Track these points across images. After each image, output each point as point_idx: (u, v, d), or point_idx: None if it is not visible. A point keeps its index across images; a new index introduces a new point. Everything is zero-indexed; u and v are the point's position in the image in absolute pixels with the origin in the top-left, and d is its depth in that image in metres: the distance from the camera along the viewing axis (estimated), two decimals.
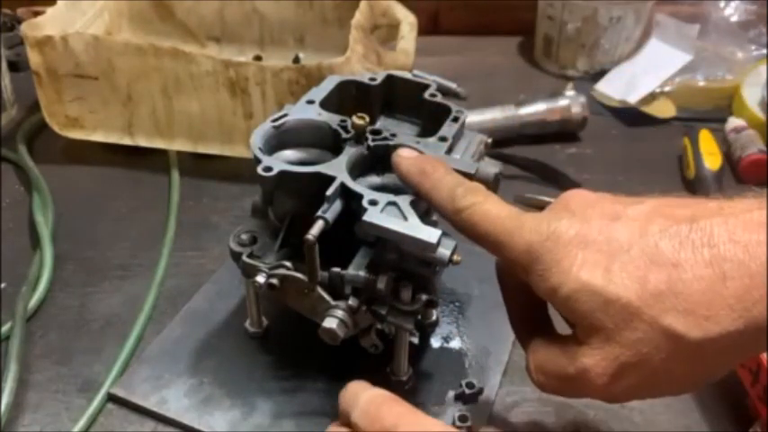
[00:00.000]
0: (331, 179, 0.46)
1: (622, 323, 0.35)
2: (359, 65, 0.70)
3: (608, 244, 0.37)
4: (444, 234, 0.43)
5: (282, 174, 0.47)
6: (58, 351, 0.56)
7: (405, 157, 0.46)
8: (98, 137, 0.77)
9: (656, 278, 0.35)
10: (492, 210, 0.40)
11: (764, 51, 0.92)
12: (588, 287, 0.36)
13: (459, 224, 0.42)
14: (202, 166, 0.77)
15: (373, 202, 0.44)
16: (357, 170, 0.48)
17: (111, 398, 0.52)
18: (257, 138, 0.49)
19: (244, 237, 0.51)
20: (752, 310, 0.34)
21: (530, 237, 0.38)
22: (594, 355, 0.37)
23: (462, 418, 0.50)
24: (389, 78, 0.55)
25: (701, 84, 0.91)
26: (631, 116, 0.89)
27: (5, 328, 0.56)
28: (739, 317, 0.34)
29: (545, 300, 0.40)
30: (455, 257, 0.45)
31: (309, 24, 0.90)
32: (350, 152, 0.49)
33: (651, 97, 0.90)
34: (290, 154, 0.51)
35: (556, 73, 1.01)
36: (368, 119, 0.50)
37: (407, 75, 0.56)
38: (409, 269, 0.46)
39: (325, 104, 0.53)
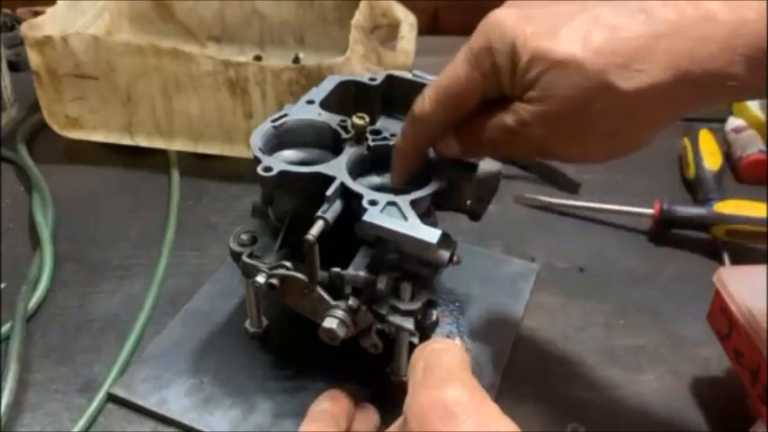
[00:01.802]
0: (331, 179, 0.46)
1: (564, 78, 0.38)
2: (359, 65, 0.70)
3: (553, 16, 0.40)
4: (444, 234, 0.43)
5: (282, 174, 0.47)
6: (58, 351, 0.56)
7: None
8: (98, 137, 0.77)
9: (598, 37, 0.38)
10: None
11: None
12: (538, 52, 0.39)
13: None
14: (202, 166, 0.77)
15: (373, 202, 0.44)
16: (357, 170, 0.48)
17: (111, 398, 0.52)
18: (257, 138, 0.49)
19: (244, 237, 0.51)
20: (680, 63, 0.37)
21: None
22: (535, 107, 0.40)
23: None
24: (389, 78, 0.55)
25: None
26: None
27: (5, 328, 0.56)
28: (668, 68, 0.37)
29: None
30: (455, 257, 0.45)
31: (309, 24, 0.90)
32: (350, 152, 0.49)
33: None
34: (290, 154, 0.51)
35: None
36: (368, 119, 0.50)
37: (407, 75, 0.56)
38: (409, 269, 0.46)
39: (325, 104, 0.53)
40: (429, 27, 1.05)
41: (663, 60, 0.37)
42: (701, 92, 0.38)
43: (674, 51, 0.37)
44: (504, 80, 0.41)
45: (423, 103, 0.44)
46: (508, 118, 0.41)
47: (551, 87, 0.39)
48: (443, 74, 0.43)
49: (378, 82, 0.55)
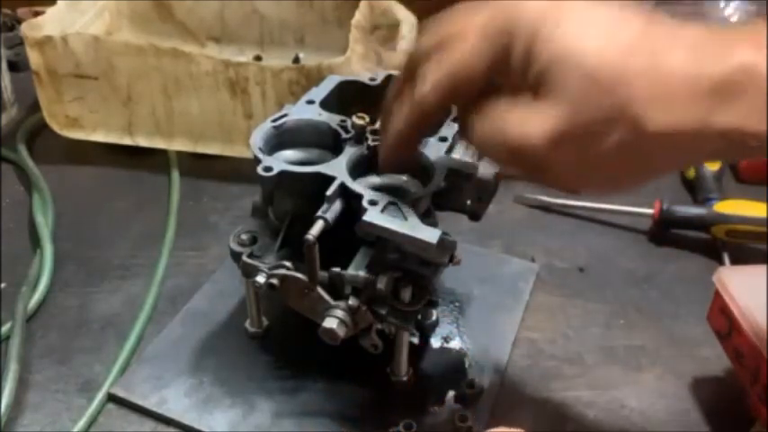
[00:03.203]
0: (331, 179, 0.46)
1: (589, 96, 0.33)
2: (359, 65, 0.70)
3: (592, 14, 0.34)
4: (444, 234, 0.43)
5: (282, 174, 0.47)
6: (58, 351, 0.56)
7: None
8: (98, 137, 0.77)
9: (624, 40, 0.33)
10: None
11: None
12: (561, 52, 0.33)
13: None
14: (202, 166, 0.77)
15: (373, 202, 0.44)
16: (357, 170, 0.48)
17: (111, 398, 0.52)
18: (257, 138, 0.49)
19: (244, 237, 0.51)
20: (710, 117, 0.32)
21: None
22: (545, 119, 0.34)
23: (462, 418, 0.50)
24: (389, 78, 0.55)
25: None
26: None
27: (5, 328, 0.56)
28: (697, 114, 0.32)
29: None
30: (455, 257, 0.45)
31: (309, 24, 0.90)
32: (350, 152, 0.49)
33: None
34: (290, 154, 0.51)
35: None
36: (368, 119, 0.50)
37: None
38: (409, 269, 0.46)
39: (325, 104, 0.53)
40: None
41: (692, 104, 0.32)
42: (723, 145, 0.33)
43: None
44: (514, 72, 0.35)
45: (424, 87, 0.38)
46: (507, 120, 0.36)
47: (571, 100, 0.33)
48: (450, 55, 0.37)
49: (378, 82, 0.55)
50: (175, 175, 0.76)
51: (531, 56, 0.34)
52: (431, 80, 0.38)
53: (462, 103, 0.39)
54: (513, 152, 0.36)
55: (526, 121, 0.35)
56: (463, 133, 0.40)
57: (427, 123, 0.41)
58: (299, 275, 0.47)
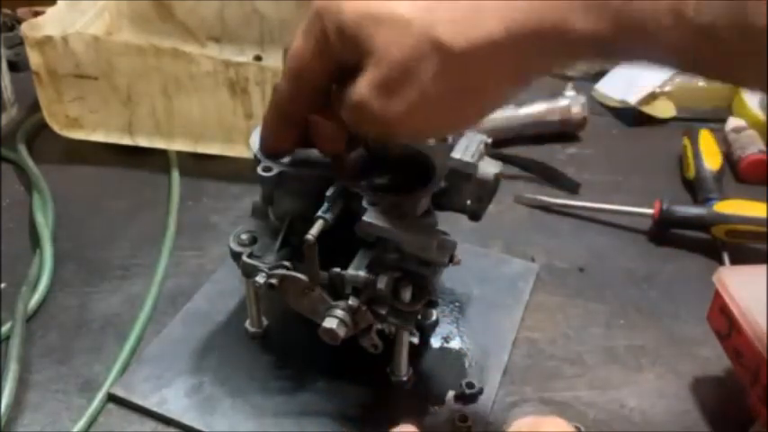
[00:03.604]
0: (331, 179, 0.46)
1: (393, 39, 0.36)
2: None
3: None
4: (444, 234, 0.43)
5: (282, 174, 0.47)
6: (58, 351, 0.56)
7: None
8: (98, 137, 0.77)
9: None
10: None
11: None
12: (365, 12, 0.37)
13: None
14: (202, 166, 0.77)
15: (373, 202, 0.44)
16: (357, 170, 0.48)
17: (111, 398, 0.52)
18: (257, 138, 0.49)
19: (244, 237, 0.51)
20: (516, 17, 0.34)
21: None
22: (367, 75, 0.37)
23: (462, 418, 0.50)
24: None
25: (701, 84, 0.91)
26: (631, 116, 0.89)
27: (5, 328, 0.56)
28: (501, 23, 0.34)
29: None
30: (455, 257, 0.45)
31: None
32: (350, 152, 0.49)
33: (651, 97, 0.90)
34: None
35: (555, 73, 1.00)
36: None
37: None
38: (409, 269, 0.46)
39: None
40: None
41: (495, 15, 0.34)
42: (542, 49, 0.34)
43: (508, 5, 0.34)
44: (335, 47, 0.39)
45: (282, 77, 0.43)
46: (348, 93, 0.39)
47: (380, 50, 0.36)
48: (289, 53, 0.42)
49: None
50: (175, 175, 0.76)
51: (341, 29, 0.38)
52: (282, 74, 0.43)
53: (315, 91, 0.43)
54: (356, 115, 0.39)
55: (357, 85, 0.38)
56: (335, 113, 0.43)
57: (286, 111, 0.45)
58: (299, 275, 0.47)
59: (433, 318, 0.58)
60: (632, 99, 0.89)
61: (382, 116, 0.38)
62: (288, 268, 0.48)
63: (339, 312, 0.46)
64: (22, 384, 0.52)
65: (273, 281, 0.48)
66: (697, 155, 0.77)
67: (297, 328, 0.53)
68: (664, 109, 0.89)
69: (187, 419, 0.50)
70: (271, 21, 0.90)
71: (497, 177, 0.49)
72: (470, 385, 0.52)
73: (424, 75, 0.36)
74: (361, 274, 0.46)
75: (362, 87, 0.38)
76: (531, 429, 0.35)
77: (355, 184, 0.46)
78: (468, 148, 0.51)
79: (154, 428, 0.51)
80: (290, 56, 0.42)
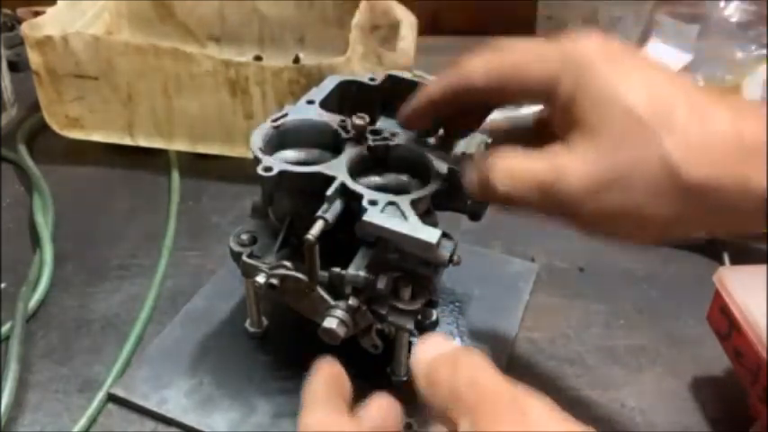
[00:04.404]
0: (331, 179, 0.46)
1: (620, 131, 0.33)
2: (359, 65, 0.70)
3: (642, 71, 0.35)
4: (444, 234, 0.43)
5: (282, 174, 0.47)
6: (58, 351, 0.56)
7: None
8: (98, 137, 0.77)
9: (671, 94, 0.33)
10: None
11: (764, 51, 0.92)
12: (602, 89, 0.34)
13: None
14: (202, 166, 0.77)
15: (373, 202, 0.44)
16: (357, 170, 0.48)
17: (111, 398, 0.52)
18: (257, 138, 0.49)
19: (244, 237, 0.51)
20: (752, 176, 0.32)
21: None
22: (580, 153, 0.35)
23: None
24: (389, 78, 0.55)
25: (701, 84, 0.91)
26: None
27: (5, 328, 0.56)
28: (741, 174, 0.32)
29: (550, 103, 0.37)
30: (455, 257, 0.45)
31: (309, 24, 0.90)
32: (350, 152, 0.49)
33: None
34: (290, 154, 0.51)
35: None
36: (368, 119, 0.50)
37: (407, 75, 0.56)
38: (409, 269, 0.46)
39: (325, 104, 0.53)
40: (429, 27, 1.05)
41: (739, 164, 0.32)
42: (760, 210, 0.33)
43: (756, 164, 0.32)
44: (560, 97, 0.36)
45: (471, 63, 0.40)
46: (544, 158, 0.36)
47: (607, 136, 0.34)
48: (513, 49, 0.39)
49: (378, 82, 0.55)
50: (175, 175, 0.76)
51: (578, 91, 0.35)
52: (481, 57, 0.39)
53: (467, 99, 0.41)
54: (547, 193, 0.36)
55: (563, 163, 0.35)
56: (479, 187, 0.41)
57: (462, 89, 0.42)
58: (299, 275, 0.47)
59: (433, 318, 0.57)
60: None
61: (577, 204, 0.35)
62: (288, 268, 0.48)
63: (339, 312, 0.46)
64: (22, 384, 0.52)
65: (273, 281, 0.48)
66: None
67: (297, 328, 0.53)
68: None
69: (187, 419, 0.50)
70: (271, 21, 0.90)
71: None
72: None
73: (644, 186, 0.33)
74: (361, 273, 0.46)
75: (574, 170, 0.34)
76: (450, 371, 0.32)
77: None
78: (468, 148, 0.51)
79: (154, 428, 0.51)
80: (512, 58, 0.38)
